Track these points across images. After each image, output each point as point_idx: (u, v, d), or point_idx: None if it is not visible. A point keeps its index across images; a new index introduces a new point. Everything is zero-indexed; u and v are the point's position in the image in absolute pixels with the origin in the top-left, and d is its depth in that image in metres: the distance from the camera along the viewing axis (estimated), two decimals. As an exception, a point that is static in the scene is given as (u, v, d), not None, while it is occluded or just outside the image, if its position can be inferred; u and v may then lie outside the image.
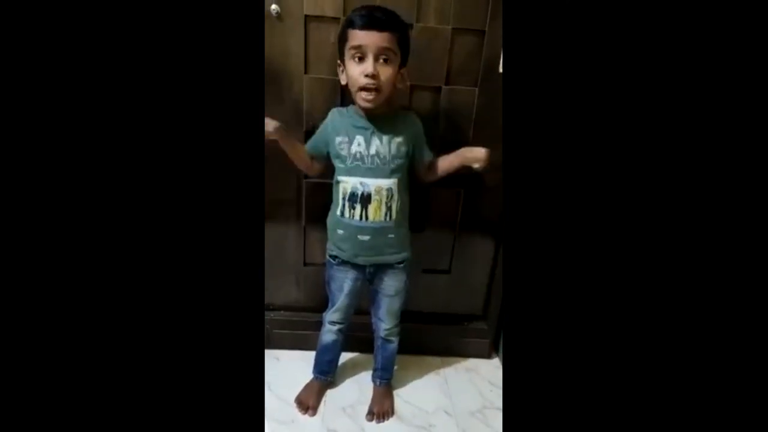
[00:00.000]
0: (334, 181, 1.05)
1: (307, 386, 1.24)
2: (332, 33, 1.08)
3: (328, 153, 1.04)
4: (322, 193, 1.15)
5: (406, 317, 1.24)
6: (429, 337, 1.41)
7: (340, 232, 1.05)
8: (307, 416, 1.18)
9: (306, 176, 1.20)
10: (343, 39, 0.93)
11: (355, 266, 1.09)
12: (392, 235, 1.05)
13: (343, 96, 1.12)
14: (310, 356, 1.27)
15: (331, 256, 1.11)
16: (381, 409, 1.21)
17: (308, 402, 1.20)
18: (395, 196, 1.01)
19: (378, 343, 1.23)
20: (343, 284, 1.12)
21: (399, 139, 1.00)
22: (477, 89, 1.14)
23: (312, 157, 1.06)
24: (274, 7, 1.04)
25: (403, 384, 1.32)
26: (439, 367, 1.40)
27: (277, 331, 1.37)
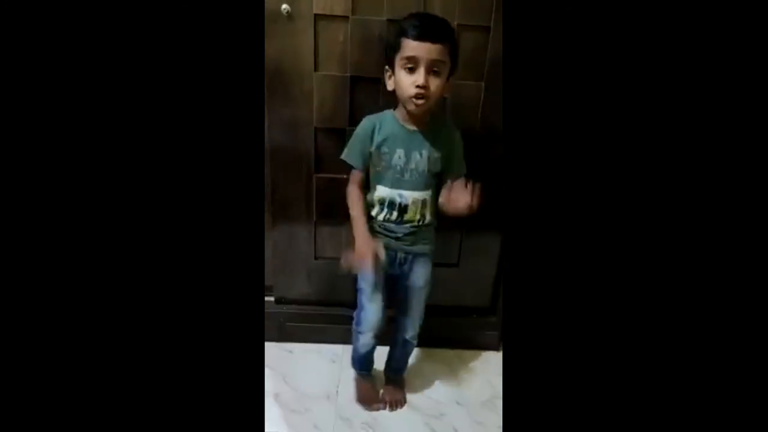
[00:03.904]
0: (370, 186, 1.06)
1: (360, 385, 1.26)
2: (341, 31, 1.11)
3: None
4: (332, 188, 1.18)
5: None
6: (439, 329, 1.43)
7: (376, 226, 1.07)
8: (322, 406, 1.21)
9: (317, 171, 1.23)
10: (395, 47, 0.93)
11: (386, 254, 1.07)
12: (424, 230, 1.09)
13: (353, 93, 1.15)
14: (322, 348, 1.30)
15: None
16: (393, 397, 1.23)
17: (371, 399, 1.23)
18: (428, 204, 1.06)
19: (399, 341, 1.22)
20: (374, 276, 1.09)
21: (437, 155, 1.02)
22: (483, 83, 1.16)
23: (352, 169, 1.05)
24: (284, 6, 1.07)
25: (414, 375, 1.34)
26: (449, 358, 1.42)
27: (289, 324, 1.40)
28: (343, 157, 1.05)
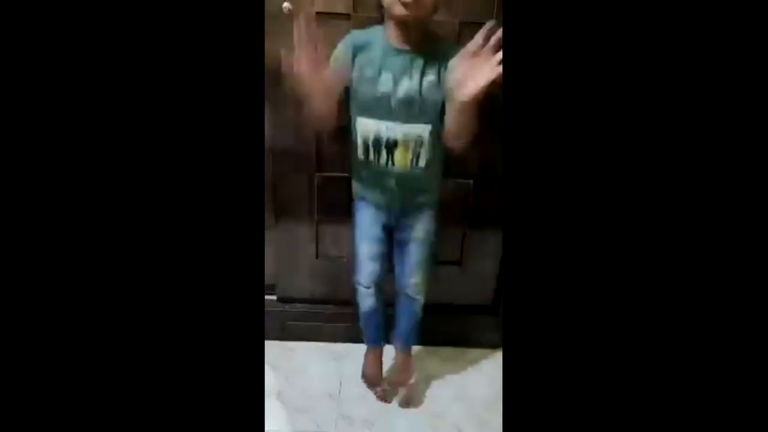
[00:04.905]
0: (351, 122, 0.92)
1: (367, 358, 1.22)
2: (343, 29, 1.10)
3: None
4: (334, 187, 1.18)
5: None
6: (441, 327, 1.43)
7: (363, 173, 0.96)
8: (324, 405, 1.21)
9: (318, 170, 1.22)
10: None
11: (379, 209, 1.00)
12: (420, 181, 0.95)
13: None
14: (325, 347, 1.31)
15: (358, 197, 1.03)
16: (397, 377, 1.20)
17: (374, 377, 1.20)
18: (426, 145, 0.89)
19: (401, 301, 1.12)
20: (369, 229, 1.01)
21: (432, 78, 0.84)
22: (485, 81, 1.16)
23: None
24: (286, 4, 1.07)
25: (416, 373, 1.34)
26: (451, 357, 1.42)
27: (291, 323, 1.40)
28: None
